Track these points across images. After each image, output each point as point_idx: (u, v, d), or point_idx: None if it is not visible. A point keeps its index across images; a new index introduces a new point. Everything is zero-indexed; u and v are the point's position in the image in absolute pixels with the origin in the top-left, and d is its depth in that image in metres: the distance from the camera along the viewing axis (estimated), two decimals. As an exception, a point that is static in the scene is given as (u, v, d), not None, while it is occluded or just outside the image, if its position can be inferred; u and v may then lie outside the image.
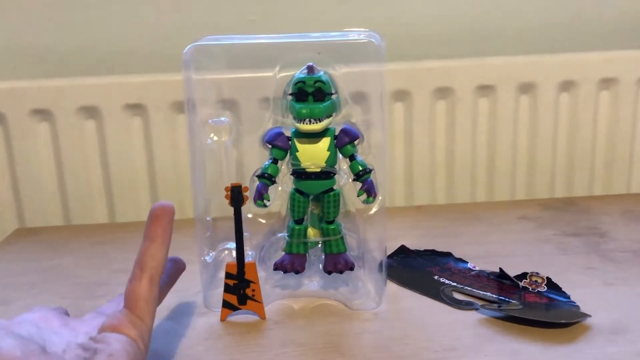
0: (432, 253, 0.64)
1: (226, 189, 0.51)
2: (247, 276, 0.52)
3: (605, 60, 0.84)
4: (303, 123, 0.50)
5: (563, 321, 0.49)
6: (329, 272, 0.54)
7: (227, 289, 0.53)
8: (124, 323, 0.42)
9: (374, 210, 0.53)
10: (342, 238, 0.54)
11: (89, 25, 0.83)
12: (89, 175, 0.83)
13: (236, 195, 0.51)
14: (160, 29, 0.84)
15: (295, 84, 0.51)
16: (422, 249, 0.64)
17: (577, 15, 0.87)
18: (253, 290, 0.52)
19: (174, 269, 0.50)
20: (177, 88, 0.80)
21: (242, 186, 0.51)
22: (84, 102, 0.80)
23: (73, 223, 0.83)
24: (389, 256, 0.59)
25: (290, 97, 0.51)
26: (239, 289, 0.52)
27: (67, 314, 0.46)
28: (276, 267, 0.55)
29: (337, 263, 0.54)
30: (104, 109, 0.80)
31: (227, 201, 0.51)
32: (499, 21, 0.87)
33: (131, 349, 0.41)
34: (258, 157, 0.54)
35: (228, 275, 0.52)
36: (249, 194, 0.53)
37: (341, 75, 0.52)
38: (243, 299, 0.53)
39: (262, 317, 0.53)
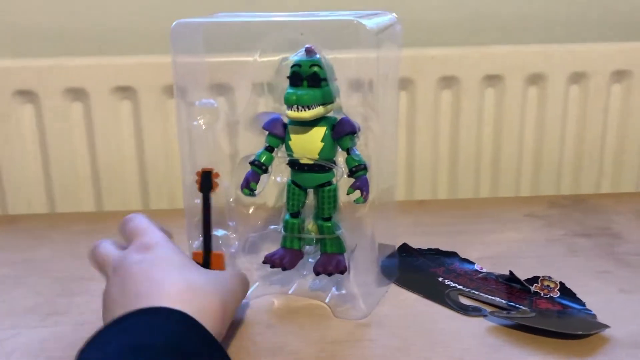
0: (437, 253, 0.60)
1: (197, 173, 0.49)
2: (214, 267, 0.49)
3: (618, 51, 0.81)
4: (291, 110, 0.47)
5: (580, 332, 0.46)
6: (318, 273, 0.51)
7: None
8: None
9: (364, 210, 0.49)
10: (338, 238, 0.51)
11: (76, 2, 0.80)
12: (75, 160, 0.79)
13: (205, 181, 0.49)
14: (151, 8, 0.81)
15: (292, 67, 0.47)
16: (425, 248, 0.61)
17: (589, 4, 0.84)
18: None
19: None
20: (168, 71, 0.76)
21: (214, 172, 0.49)
22: (70, 83, 0.77)
23: (58, 211, 0.80)
24: (390, 255, 0.55)
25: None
26: None
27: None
28: (265, 260, 0.52)
29: (328, 264, 0.50)
30: (92, 91, 0.77)
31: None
32: (508, 8, 0.83)
33: None
34: (248, 143, 0.51)
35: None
36: (237, 181, 0.49)
37: (345, 60, 0.48)
38: None
39: None
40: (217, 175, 0.49)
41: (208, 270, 0.46)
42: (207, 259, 0.49)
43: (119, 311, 0.39)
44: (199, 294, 0.41)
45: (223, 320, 0.42)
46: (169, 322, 0.38)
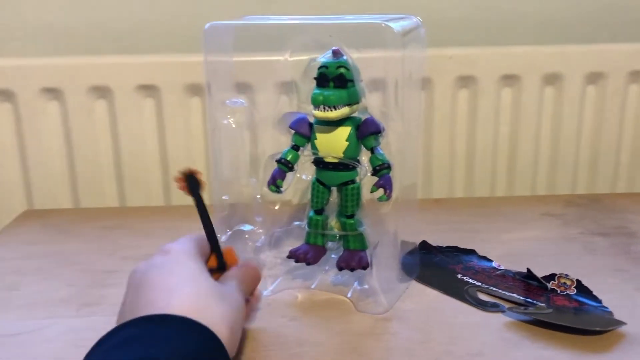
0: (455, 250, 0.61)
1: (178, 179, 0.45)
2: (229, 263, 0.47)
3: (634, 51, 0.81)
4: (318, 110, 0.48)
5: (597, 328, 0.47)
6: (340, 268, 0.52)
7: None
8: None
9: (388, 207, 0.50)
10: (361, 234, 0.52)
11: (102, 2, 0.81)
12: (99, 156, 0.81)
13: (193, 182, 0.45)
14: (174, 8, 0.82)
15: (319, 68, 0.48)
16: (444, 245, 0.62)
17: (606, 5, 0.84)
18: None
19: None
20: (190, 70, 0.78)
21: (194, 170, 0.45)
22: (95, 81, 0.78)
23: (82, 206, 0.82)
24: (410, 252, 0.56)
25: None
26: None
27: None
28: (290, 255, 0.53)
29: (351, 260, 0.52)
30: (116, 89, 0.78)
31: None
32: (525, 8, 0.84)
33: None
34: (272, 140, 0.52)
35: (210, 271, 0.45)
36: (264, 178, 0.50)
37: (370, 61, 0.49)
38: None
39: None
40: (200, 173, 0.45)
41: (218, 283, 0.43)
42: (221, 259, 0.47)
43: (128, 317, 0.37)
44: (212, 309, 0.38)
45: (231, 341, 0.39)
46: (184, 333, 0.36)
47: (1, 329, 0.49)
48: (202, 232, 0.45)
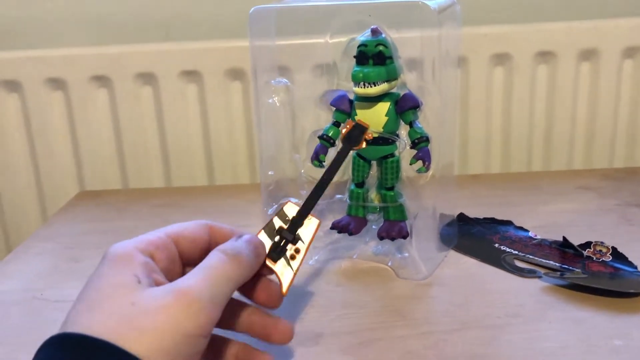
0: (492, 221, 0.63)
1: (348, 122, 0.47)
2: (302, 231, 0.41)
3: (673, 24, 0.80)
4: (358, 86, 0.50)
5: (631, 291, 0.48)
6: (381, 238, 0.54)
7: (268, 228, 0.41)
8: None
9: (426, 179, 0.52)
10: (401, 206, 0.54)
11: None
12: (145, 140, 0.84)
13: (356, 134, 0.46)
14: (215, -5, 0.85)
15: (358, 46, 0.50)
16: (481, 217, 0.64)
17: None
18: (296, 252, 0.41)
19: None
20: (231, 55, 0.81)
21: (368, 130, 0.47)
22: (140, 68, 0.81)
23: (130, 187, 0.86)
24: (448, 224, 0.58)
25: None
26: (283, 238, 0.41)
27: None
28: (333, 226, 0.56)
29: (391, 230, 0.54)
30: (160, 76, 0.81)
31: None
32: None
33: None
34: (317, 118, 0.55)
35: (281, 216, 0.41)
36: (307, 154, 0.53)
37: (408, 39, 0.51)
38: (278, 254, 0.40)
39: (282, 291, 0.40)
40: (370, 135, 0.46)
41: (151, 292, 0.34)
42: (302, 214, 0.42)
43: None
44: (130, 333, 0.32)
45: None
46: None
47: (67, 296, 0.53)
48: (164, 229, 0.41)
